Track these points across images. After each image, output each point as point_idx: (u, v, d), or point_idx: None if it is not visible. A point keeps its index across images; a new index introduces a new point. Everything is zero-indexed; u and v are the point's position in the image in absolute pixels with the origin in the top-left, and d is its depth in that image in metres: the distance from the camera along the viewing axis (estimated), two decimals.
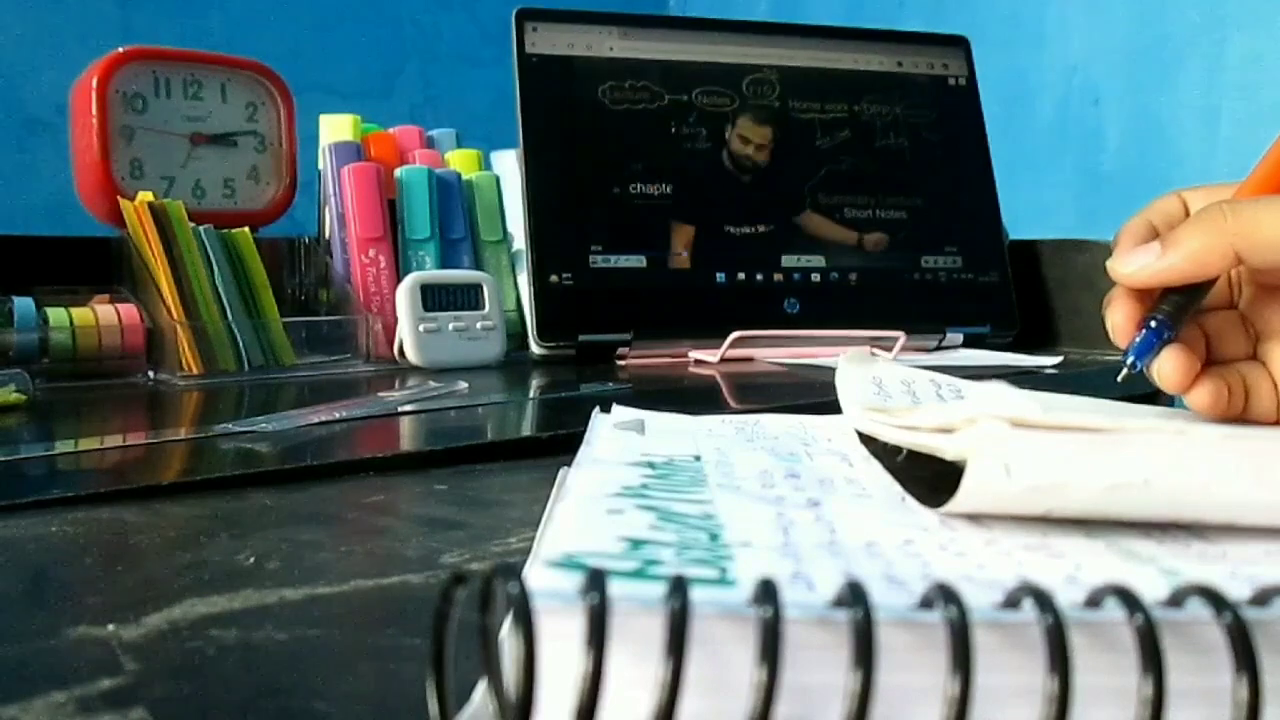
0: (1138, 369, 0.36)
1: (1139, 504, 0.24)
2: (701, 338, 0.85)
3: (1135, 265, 0.35)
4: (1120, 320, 0.37)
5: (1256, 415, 0.37)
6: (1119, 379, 0.36)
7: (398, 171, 0.85)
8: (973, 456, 0.24)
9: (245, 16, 1.42)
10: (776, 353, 0.85)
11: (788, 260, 0.91)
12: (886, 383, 0.41)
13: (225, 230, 0.76)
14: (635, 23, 0.93)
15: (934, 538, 0.24)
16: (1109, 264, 0.37)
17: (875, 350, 0.87)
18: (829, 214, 0.93)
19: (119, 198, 0.74)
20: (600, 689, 0.14)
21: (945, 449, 0.27)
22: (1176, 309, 0.36)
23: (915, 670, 0.15)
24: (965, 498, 0.24)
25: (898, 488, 0.29)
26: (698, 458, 0.32)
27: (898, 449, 0.31)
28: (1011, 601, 0.16)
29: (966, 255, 0.96)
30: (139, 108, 0.80)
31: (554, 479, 0.31)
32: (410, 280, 0.79)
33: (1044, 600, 0.15)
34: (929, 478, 0.27)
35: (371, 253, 0.83)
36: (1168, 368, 0.35)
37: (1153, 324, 0.35)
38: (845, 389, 0.40)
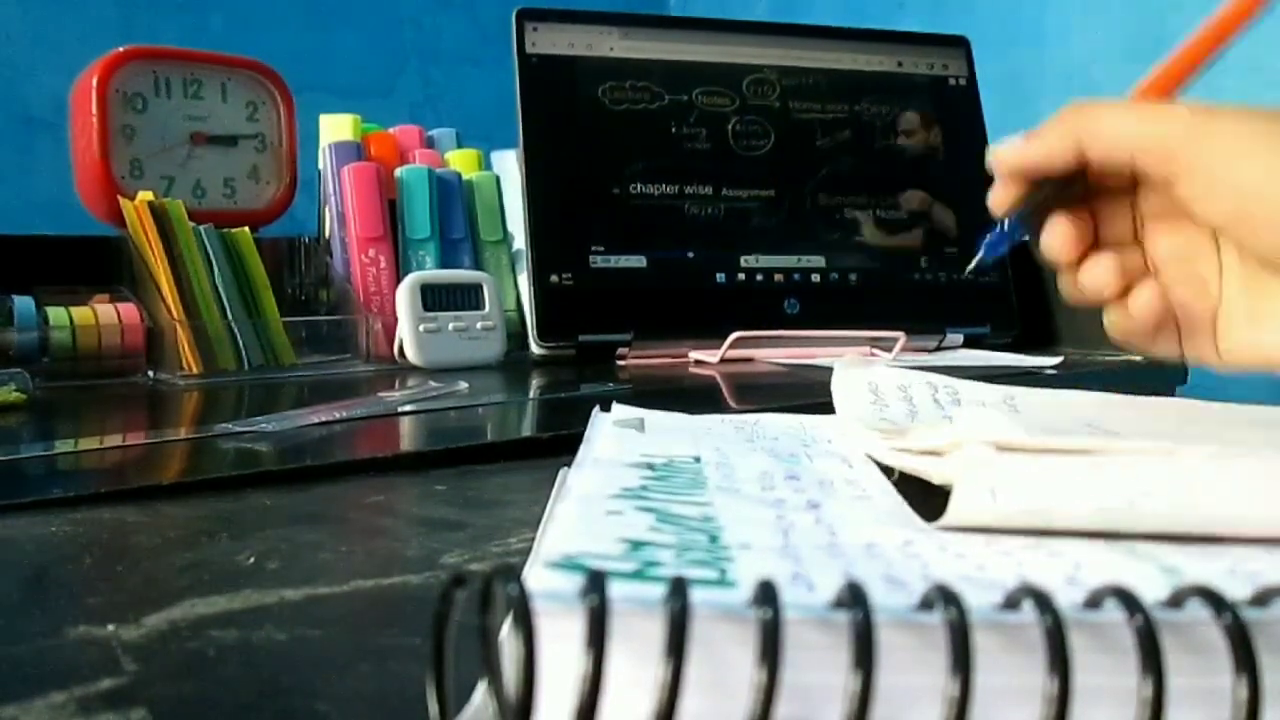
0: (987, 262, 0.41)
1: (1126, 523, 0.24)
2: (701, 338, 0.85)
3: (1002, 148, 0.39)
4: (999, 193, 0.40)
5: (1134, 300, 0.39)
6: (966, 271, 0.42)
7: (398, 171, 0.85)
8: (959, 482, 0.24)
9: (245, 16, 1.43)
10: (776, 353, 0.85)
11: (788, 260, 0.91)
12: (883, 389, 0.41)
13: (225, 230, 0.76)
14: (635, 23, 0.93)
15: (933, 538, 0.24)
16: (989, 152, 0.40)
17: (875, 351, 0.87)
18: (829, 214, 0.94)
19: (119, 197, 0.74)
20: (600, 690, 0.14)
21: (932, 473, 0.27)
22: (1031, 210, 0.39)
23: (915, 671, 0.15)
24: (953, 521, 0.24)
25: (895, 489, 0.29)
26: (697, 459, 0.32)
27: (891, 469, 0.32)
28: (1011, 602, 0.16)
29: (966, 256, 0.96)
30: (139, 107, 0.80)
31: (554, 479, 0.31)
32: (410, 280, 0.79)
33: (1044, 601, 0.15)
34: (922, 495, 0.27)
35: (371, 252, 0.83)
36: (1056, 239, 0.39)
37: (1005, 225, 0.40)
38: (841, 399, 0.40)
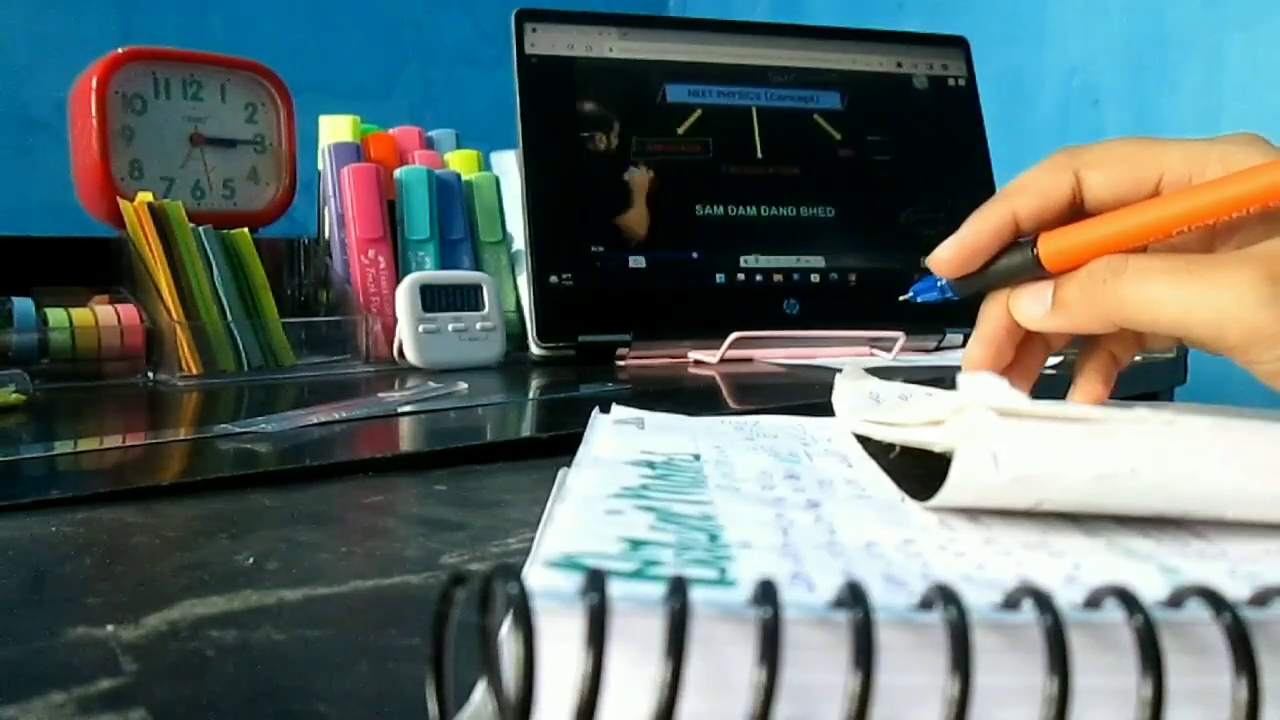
0: (916, 300, 0.40)
1: (1127, 494, 0.24)
2: (701, 338, 0.85)
3: (1021, 313, 0.36)
4: (976, 355, 0.38)
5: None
6: (901, 298, 0.41)
7: (397, 172, 0.85)
8: (960, 446, 0.24)
9: (245, 16, 1.43)
10: (776, 353, 0.85)
11: (787, 260, 0.91)
12: (884, 398, 0.41)
13: (225, 231, 0.76)
14: (635, 23, 0.93)
15: (933, 537, 0.24)
16: (1000, 299, 0.37)
17: (875, 351, 0.87)
18: (829, 214, 0.93)
19: (118, 198, 0.74)
20: (600, 689, 0.14)
21: (934, 441, 0.27)
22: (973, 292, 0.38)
23: (915, 671, 0.15)
24: (954, 489, 0.24)
25: (894, 487, 0.29)
26: (697, 457, 0.32)
27: (890, 447, 0.31)
28: (1011, 602, 0.16)
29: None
30: (138, 108, 0.80)
31: (554, 479, 0.31)
32: (410, 281, 0.79)
33: (1043, 601, 0.15)
34: (922, 475, 0.27)
35: (371, 253, 0.83)
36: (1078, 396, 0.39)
37: (941, 284, 0.38)
38: (842, 408, 0.40)
